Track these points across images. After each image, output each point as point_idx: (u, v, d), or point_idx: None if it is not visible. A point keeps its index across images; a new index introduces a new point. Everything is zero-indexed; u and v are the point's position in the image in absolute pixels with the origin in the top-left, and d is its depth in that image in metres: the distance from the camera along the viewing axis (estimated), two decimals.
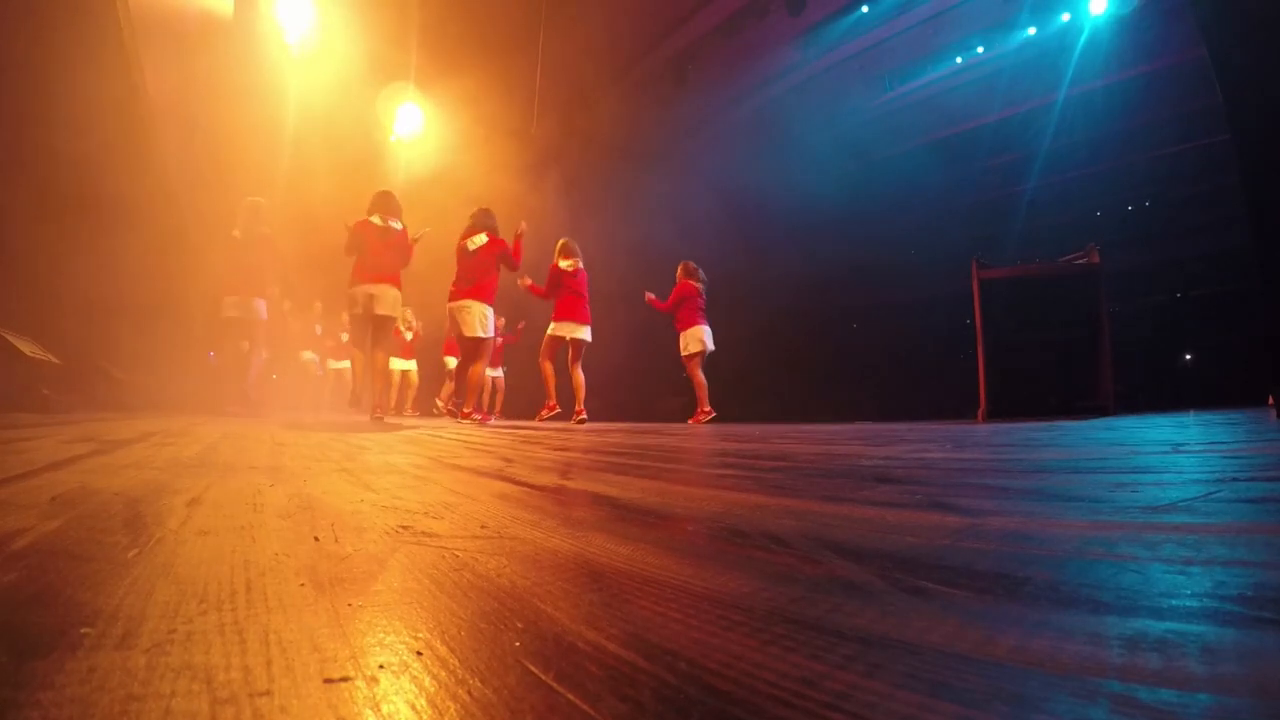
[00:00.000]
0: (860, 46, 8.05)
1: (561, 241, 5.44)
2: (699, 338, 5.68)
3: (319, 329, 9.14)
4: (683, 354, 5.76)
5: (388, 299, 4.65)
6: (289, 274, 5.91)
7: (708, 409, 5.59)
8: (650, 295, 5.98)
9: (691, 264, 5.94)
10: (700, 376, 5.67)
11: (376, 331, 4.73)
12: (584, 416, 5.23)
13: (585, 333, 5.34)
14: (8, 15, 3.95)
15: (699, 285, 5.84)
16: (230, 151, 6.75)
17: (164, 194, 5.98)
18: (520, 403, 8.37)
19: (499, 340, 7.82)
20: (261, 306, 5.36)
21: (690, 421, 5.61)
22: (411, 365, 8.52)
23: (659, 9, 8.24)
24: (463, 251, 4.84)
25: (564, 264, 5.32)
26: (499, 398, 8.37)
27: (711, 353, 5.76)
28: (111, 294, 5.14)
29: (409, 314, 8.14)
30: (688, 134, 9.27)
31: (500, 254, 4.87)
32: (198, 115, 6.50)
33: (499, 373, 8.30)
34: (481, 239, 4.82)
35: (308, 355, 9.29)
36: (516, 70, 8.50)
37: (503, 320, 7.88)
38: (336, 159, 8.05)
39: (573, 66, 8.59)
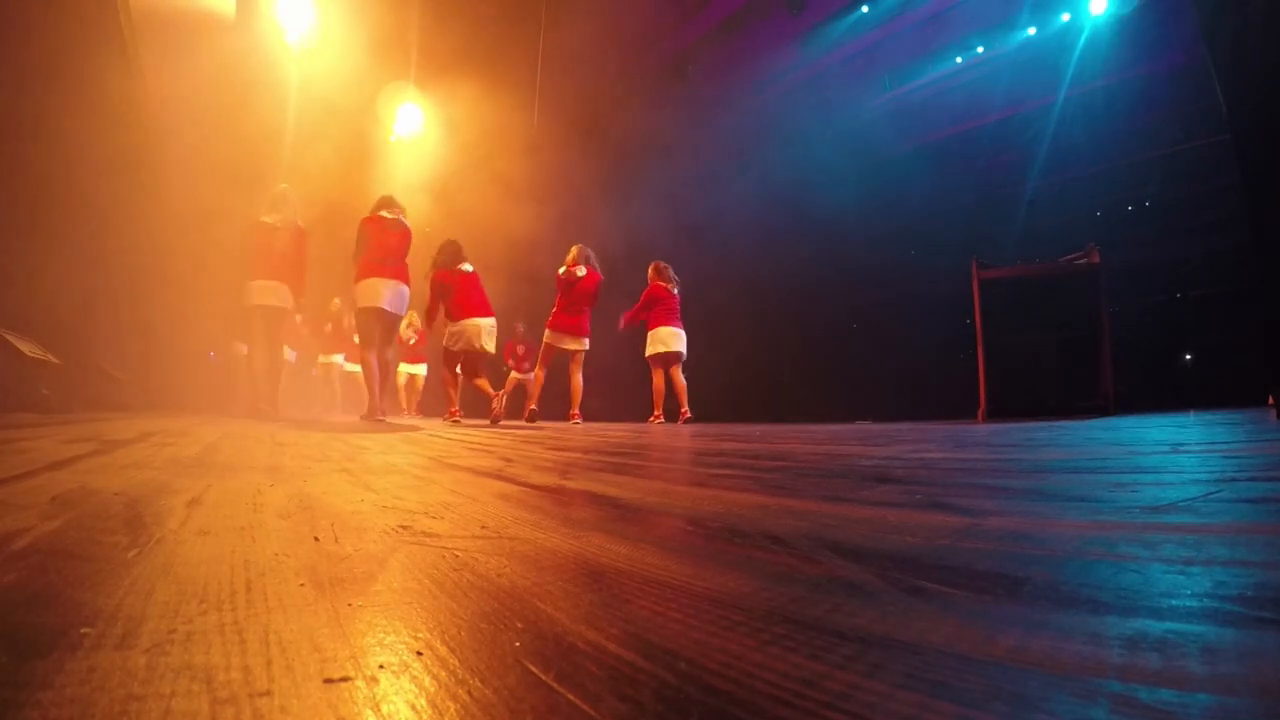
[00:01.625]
0: (860, 46, 8.05)
1: (575, 248, 5.50)
2: (660, 339, 5.60)
3: (329, 327, 9.02)
4: (646, 354, 5.67)
5: (399, 295, 4.64)
6: (309, 267, 5.76)
7: (657, 414, 5.55)
8: (623, 318, 5.80)
9: (662, 264, 5.84)
10: (658, 381, 5.58)
11: (385, 331, 4.72)
12: (578, 420, 5.27)
13: (581, 344, 5.37)
14: (8, 15, 3.95)
15: (669, 286, 5.75)
16: (231, 151, 6.75)
17: (164, 194, 5.98)
18: (519, 404, 8.40)
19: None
20: (288, 295, 5.13)
21: (650, 420, 5.56)
22: (421, 369, 8.52)
23: (659, 8, 8.24)
24: (461, 274, 4.92)
25: (561, 270, 5.40)
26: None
27: (681, 356, 5.64)
28: (111, 294, 5.14)
29: (414, 317, 8.08)
30: (688, 133, 9.26)
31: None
32: (198, 115, 6.50)
33: (529, 376, 8.38)
34: (469, 266, 4.97)
35: (326, 359, 9.15)
36: (517, 69, 8.50)
37: (522, 326, 8.14)
38: (337, 159, 8.05)
39: (572, 65, 8.60)
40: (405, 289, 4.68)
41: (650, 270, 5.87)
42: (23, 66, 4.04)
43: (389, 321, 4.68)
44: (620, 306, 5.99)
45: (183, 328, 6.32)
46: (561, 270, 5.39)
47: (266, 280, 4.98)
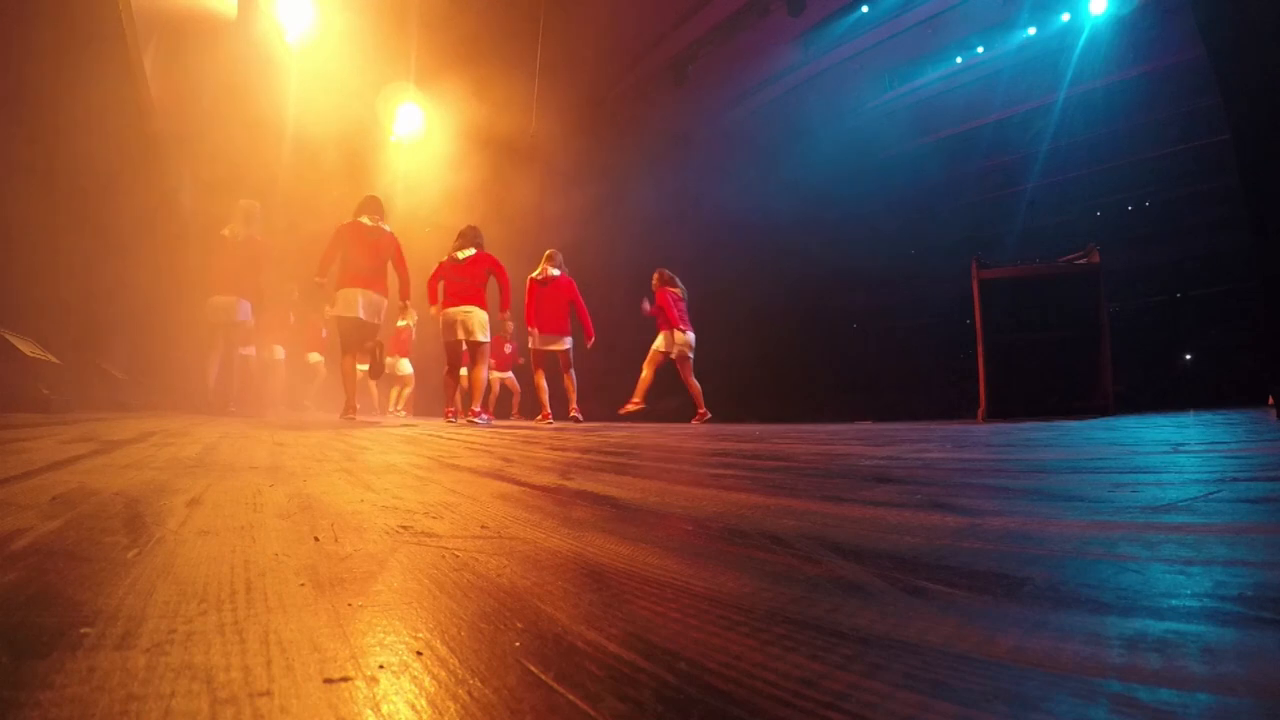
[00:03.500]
0: (860, 46, 8.06)
1: (546, 252, 5.54)
2: (671, 340, 5.71)
3: (324, 333, 9.04)
4: (671, 356, 5.76)
5: (372, 305, 4.63)
6: (268, 279, 5.80)
7: (701, 410, 5.62)
8: (648, 307, 5.95)
9: (666, 271, 5.97)
10: (691, 379, 5.70)
11: (362, 339, 4.70)
12: (578, 417, 5.29)
13: (564, 344, 5.41)
14: (10, 17, 3.95)
15: (677, 290, 5.88)
16: (232, 152, 6.75)
17: (165, 194, 5.99)
18: (514, 404, 8.39)
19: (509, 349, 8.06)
20: (245, 308, 5.27)
21: (695, 419, 5.62)
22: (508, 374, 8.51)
23: (659, 9, 8.24)
24: (452, 262, 4.92)
25: (534, 274, 5.44)
26: (515, 399, 8.42)
27: (687, 356, 5.75)
28: (112, 294, 5.14)
29: (411, 312, 8.07)
30: (688, 134, 9.26)
31: (489, 267, 4.98)
32: (200, 116, 6.49)
33: (509, 374, 8.33)
34: (470, 251, 4.94)
35: (315, 357, 9.17)
36: (517, 70, 8.50)
37: (512, 325, 7.88)
38: (338, 159, 8.04)
39: (572, 66, 8.59)
40: (380, 298, 4.69)
41: (655, 278, 5.95)
42: (24, 67, 4.04)
43: (365, 330, 4.69)
44: (615, 303, 6.00)
45: (183, 328, 6.31)
46: (537, 274, 5.45)
47: (223, 296, 5.17)
